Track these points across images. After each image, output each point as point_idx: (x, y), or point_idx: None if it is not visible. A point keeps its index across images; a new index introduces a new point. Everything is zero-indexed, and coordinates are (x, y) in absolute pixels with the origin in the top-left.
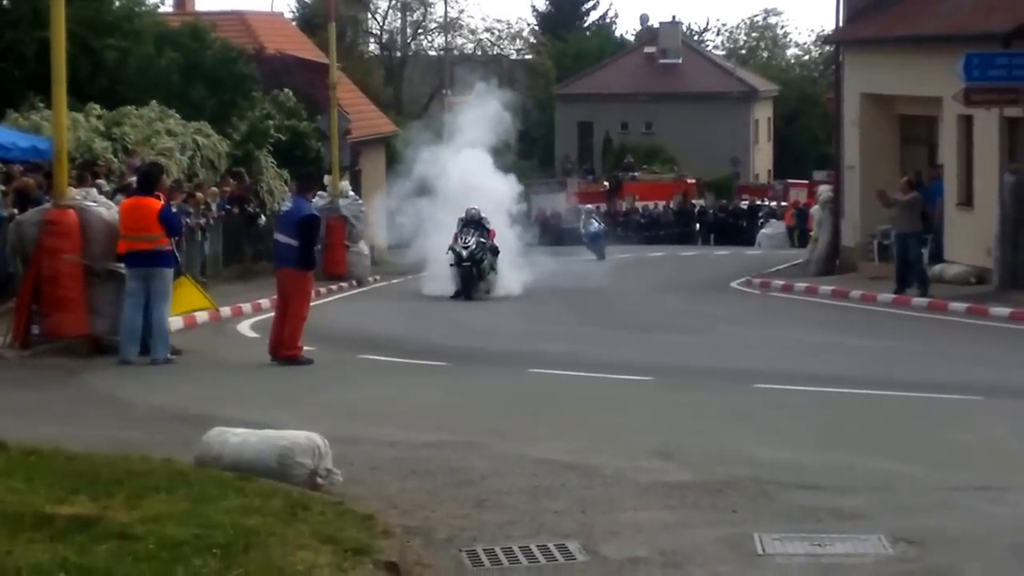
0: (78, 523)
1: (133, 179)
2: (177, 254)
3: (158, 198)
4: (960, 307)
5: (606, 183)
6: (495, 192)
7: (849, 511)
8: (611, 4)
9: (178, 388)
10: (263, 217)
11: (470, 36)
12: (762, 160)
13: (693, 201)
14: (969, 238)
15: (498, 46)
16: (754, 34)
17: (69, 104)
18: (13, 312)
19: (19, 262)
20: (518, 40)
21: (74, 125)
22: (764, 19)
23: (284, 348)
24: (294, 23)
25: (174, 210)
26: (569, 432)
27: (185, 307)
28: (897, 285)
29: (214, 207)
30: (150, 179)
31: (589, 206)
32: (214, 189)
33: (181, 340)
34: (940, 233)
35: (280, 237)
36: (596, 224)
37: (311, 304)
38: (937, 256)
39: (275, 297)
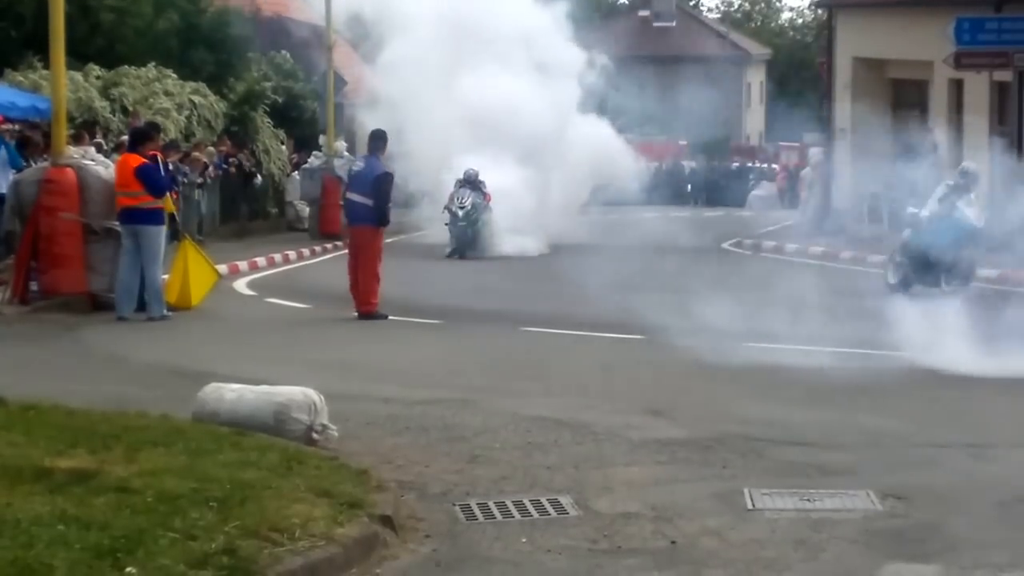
0: (77, 476)
1: (126, 138)
2: (176, 215)
3: (144, 155)
4: None
5: None
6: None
7: (838, 467)
8: None
9: (175, 344)
10: (259, 177)
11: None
12: (754, 123)
13: (684, 163)
14: None
15: None
16: None
17: (67, 64)
18: (12, 269)
19: (18, 220)
20: None
21: (74, 85)
22: None
23: (361, 304)
24: None
25: (169, 168)
26: (561, 389)
27: (203, 288)
28: None
29: (211, 166)
30: (138, 136)
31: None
32: (211, 148)
33: None
34: None
35: (355, 196)
36: None
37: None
38: None
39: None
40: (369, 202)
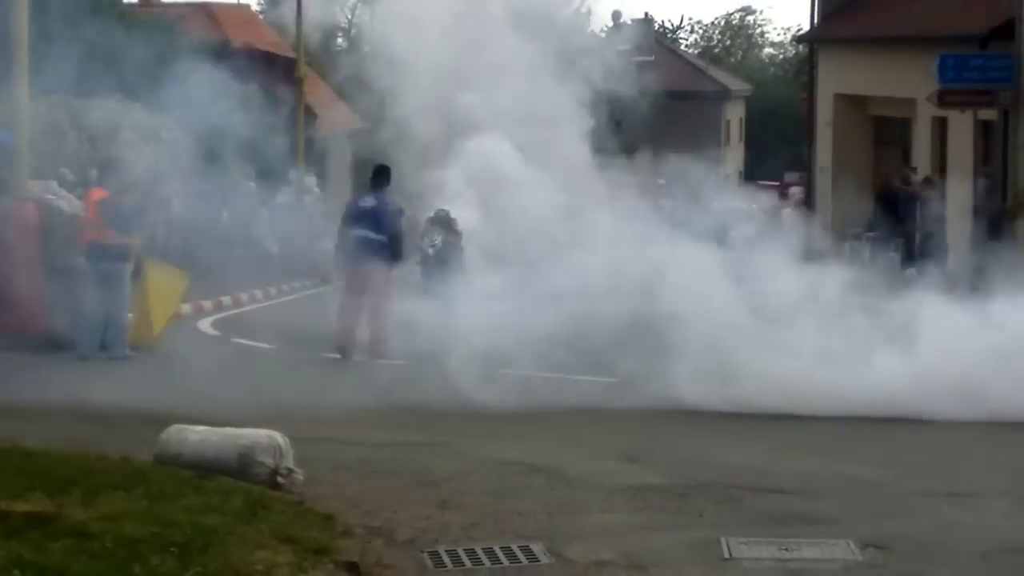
0: (34, 521)
1: (93, 171)
2: (139, 252)
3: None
4: None
5: None
6: None
7: (817, 516)
8: (583, 0)
9: (137, 385)
10: (225, 214)
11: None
12: (733, 160)
13: (663, 201)
14: None
15: None
16: (729, 33)
17: (29, 95)
18: None
19: None
20: None
21: (40, 114)
22: (740, 19)
23: (378, 345)
24: (261, 16)
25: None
26: (534, 434)
27: (167, 311)
28: None
29: (175, 203)
30: (104, 171)
31: None
32: (176, 185)
33: None
34: (912, 236)
35: (367, 233)
36: None
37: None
38: (910, 259)
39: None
40: (383, 238)
